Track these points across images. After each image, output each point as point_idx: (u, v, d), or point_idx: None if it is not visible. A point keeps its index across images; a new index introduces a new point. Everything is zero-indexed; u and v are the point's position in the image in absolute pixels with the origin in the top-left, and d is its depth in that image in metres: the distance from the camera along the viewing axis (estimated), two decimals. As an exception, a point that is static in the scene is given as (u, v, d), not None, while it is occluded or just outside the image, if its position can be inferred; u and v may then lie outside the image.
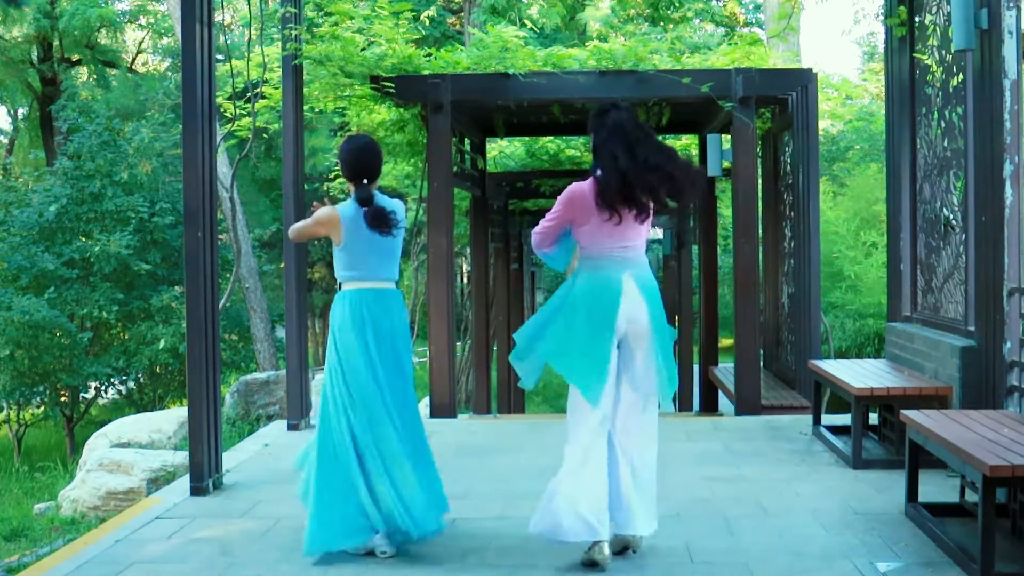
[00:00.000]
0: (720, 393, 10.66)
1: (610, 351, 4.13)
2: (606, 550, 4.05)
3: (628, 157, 4.10)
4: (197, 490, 5.39)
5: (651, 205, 4.15)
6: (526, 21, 16.50)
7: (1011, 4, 5.10)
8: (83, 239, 14.95)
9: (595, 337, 4.11)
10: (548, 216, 4.25)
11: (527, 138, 12.62)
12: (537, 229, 4.30)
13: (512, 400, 14.08)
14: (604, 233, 4.14)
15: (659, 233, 21.02)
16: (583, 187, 4.17)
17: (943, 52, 6.08)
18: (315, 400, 7.83)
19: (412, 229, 12.47)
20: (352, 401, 4.40)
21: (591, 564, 4.07)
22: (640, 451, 4.20)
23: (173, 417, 8.37)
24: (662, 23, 17.85)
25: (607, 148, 4.16)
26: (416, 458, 4.47)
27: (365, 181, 4.50)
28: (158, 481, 6.93)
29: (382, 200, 4.53)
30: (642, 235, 4.22)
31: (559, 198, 4.23)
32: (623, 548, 4.23)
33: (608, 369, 4.12)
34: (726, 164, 8.90)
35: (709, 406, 11.26)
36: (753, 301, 8.14)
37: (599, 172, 4.15)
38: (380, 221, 4.44)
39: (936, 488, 5.11)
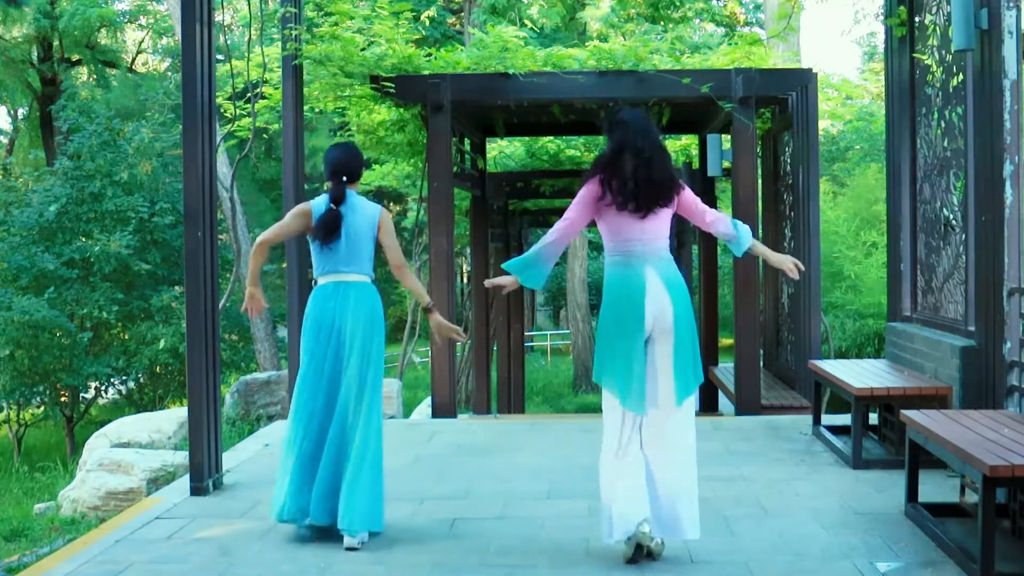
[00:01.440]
0: (720, 393, 10.66)
1: (644, 353, 4.11)
2: (647, 536, 4.05)
3: (636, 155, 4.15)
4: (197, 490, 5.39)
5: (668, 196, 4.16)
6: (526, 21, 16.51)
7: (1011, 4, 5.09)
8: (83, 239, 14.95)
9: (627, 341, 4.09)
10: (567, 212, 4.24)
11: (527, 138, 12.62)
12: (558, 225, 4.24)
13: (512, 400, 14.07)
14: (623, 225, 4.14)
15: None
16: (591, 184, 4.19)
17: (943, 52, 6.08)
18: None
19: (413, 229, 12.46)
20: (299, 389, 4.64)
21: (631, 560, 4.09)
22: (674, 452, 4.12)
23: (173, 417, 8.37)
24: (662, 23, 17.85)
25: (629, 140, 4.17)
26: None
27: (344, 179, 4.66)
28: (158, 481, 6.93)
29: (356, 203, 4.66)
30: (663, 230, 4.19)
31: (580, 192, 4.23)
32: (647, 552, 4.16)
33: (645, 372, 4.10)
34: (726, 164, 8.91)
35: (709, 406, 11.25)
36: (753, 301, 8.14)
37: (606, 167, 4.17)
38: (324, 227, 4.58)
39: (936, 488, 5.11)
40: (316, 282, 4.71)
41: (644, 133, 4.18)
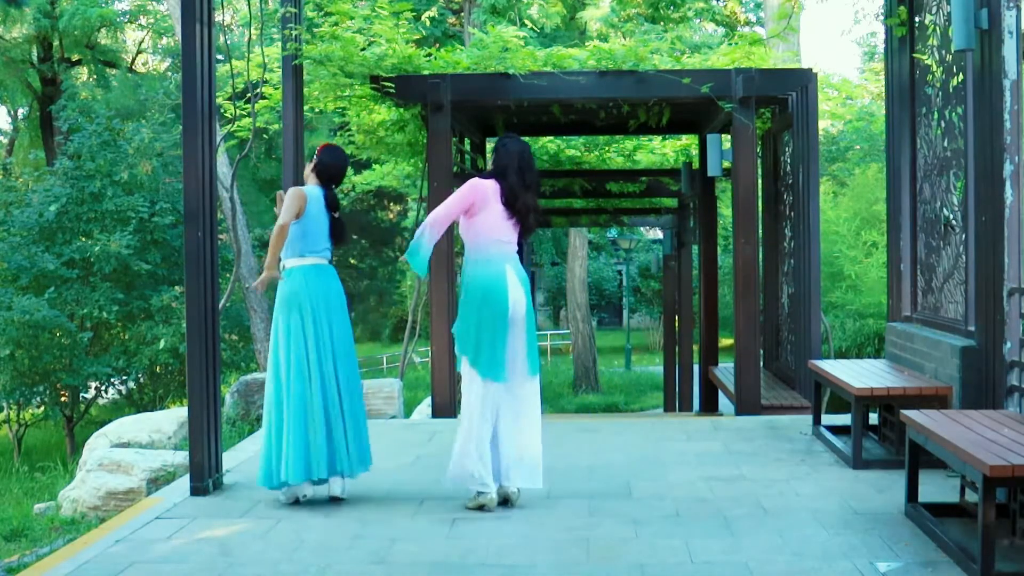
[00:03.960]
0: (720, 393, 10.66)
1: (508, 335, 4.94)
2: (495, 497, 4.98)
3: (523, 178, 5.05)
4: (197, 490, 5.39)
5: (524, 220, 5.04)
6: (526, 21, 16.51)
7: (1011, 4, 5.09)
8: (83, 239, 14.95)
9: (496, 325, 4.91)
10: (447, 202, 5.00)
11: (527, 138, 12.60)
12: (436, 212, 5.00)
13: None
14: (499, 224, 4.96)
15: (659, 233, 20.97)
16: (486, 181, 5.00)
17: (943, 52, 6.08)
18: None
19: (413, 229, 12.47)
20: (293, 362, 5.07)
21: (480, 508, 4.95)
22: (526, 417, 4.98)
23: (173, 417, 8.36)
24: (662, 23, 17.85)
25: (516, 163, 5.05)
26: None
27: (334, 185, 5.36)
28: (158, 481, 6.92)
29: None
30: (516, 238, 5.07)
31: (462, 187, 4.99)
32: (504, 500, 5.02)
33: (507, 351, 4.94)
34: (726, 164, 8.90)
35: (709, 406, 11.26)
36: (753, 301, 8.14)
37: (506, 177, 5.00)
38: (341, 236, 5.33)
39: (936, 488, 5.11)
40: (293, 262, 5.19)
41: (533, 164, 5.15)
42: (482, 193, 4.96)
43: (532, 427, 5.01)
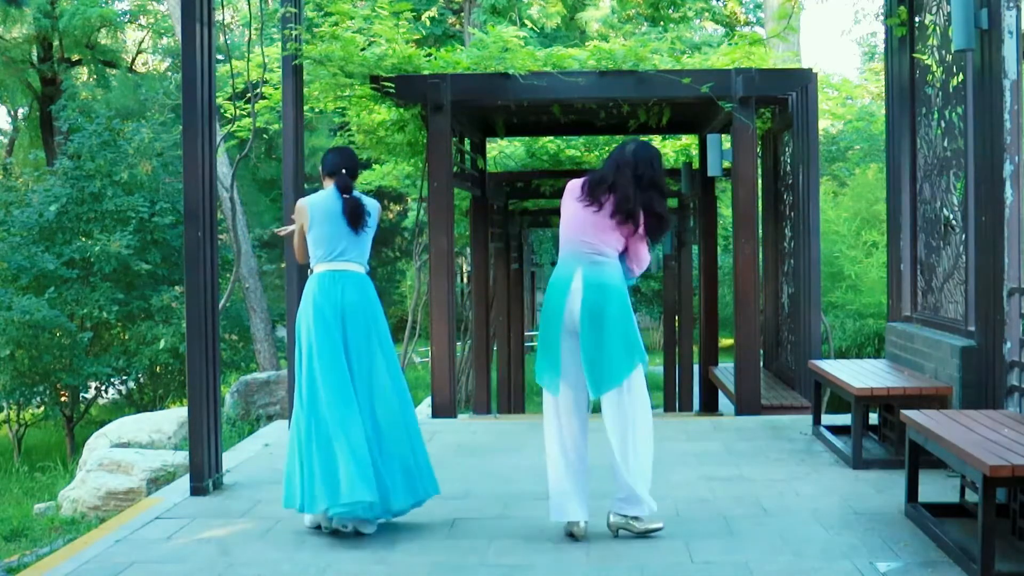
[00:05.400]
0: (720, 393, 10.66)
1: (560, 342, 4.43)
2: (582, 526, 4.47)
3: (637, 176, 4.41)
4: (197, 490, 5.39)
5: (634, 216, 4.39)
6: (526, 21, 16.51)
7: (1011, 4, 5.09)
8: (83, 239, 14.94)
9: (548, 332, 4.47)
10: None
11: (527, 138, 12.62)
12: None
13: (512, 400, 14.08)
14: (576, 223, 4.43)
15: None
16: (575, 180, 4.51)
17: (943, 52, 6.08)
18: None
19: (413, 229, 12.47)
20: (321, 378, 4.61)
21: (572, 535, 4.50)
22: (622, 436, 4.43)
23: (173, 417, 8.37)
24: (662, 23, 17.86)
25: (630, 158, 4.44)
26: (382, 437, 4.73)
27: (344, 171, 4.81)
28: (158, 481, 6.93)
29: (361, 197, 4.83)
30: (610, 241, 4.42)
31: None
32: (618, 530, 4.52)
33: (560, 360, 4.43)
34: (726, 164, 8.90)
35: (709, 406, 11.26)
36: (753, 301, 8.14)
37: (603, 171, 4.45)
38: (355, 216, 4.75)
39: (936, 488, 5.12)
40: (313, 269, 4.82)
41: (649, 163, 4.44)
42: (567, 192, 4.49)
43: (631, 446, 4.45)
